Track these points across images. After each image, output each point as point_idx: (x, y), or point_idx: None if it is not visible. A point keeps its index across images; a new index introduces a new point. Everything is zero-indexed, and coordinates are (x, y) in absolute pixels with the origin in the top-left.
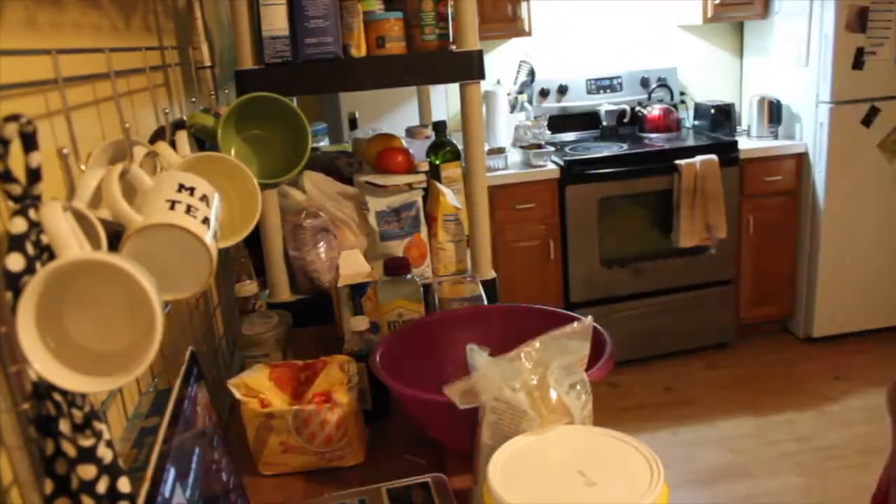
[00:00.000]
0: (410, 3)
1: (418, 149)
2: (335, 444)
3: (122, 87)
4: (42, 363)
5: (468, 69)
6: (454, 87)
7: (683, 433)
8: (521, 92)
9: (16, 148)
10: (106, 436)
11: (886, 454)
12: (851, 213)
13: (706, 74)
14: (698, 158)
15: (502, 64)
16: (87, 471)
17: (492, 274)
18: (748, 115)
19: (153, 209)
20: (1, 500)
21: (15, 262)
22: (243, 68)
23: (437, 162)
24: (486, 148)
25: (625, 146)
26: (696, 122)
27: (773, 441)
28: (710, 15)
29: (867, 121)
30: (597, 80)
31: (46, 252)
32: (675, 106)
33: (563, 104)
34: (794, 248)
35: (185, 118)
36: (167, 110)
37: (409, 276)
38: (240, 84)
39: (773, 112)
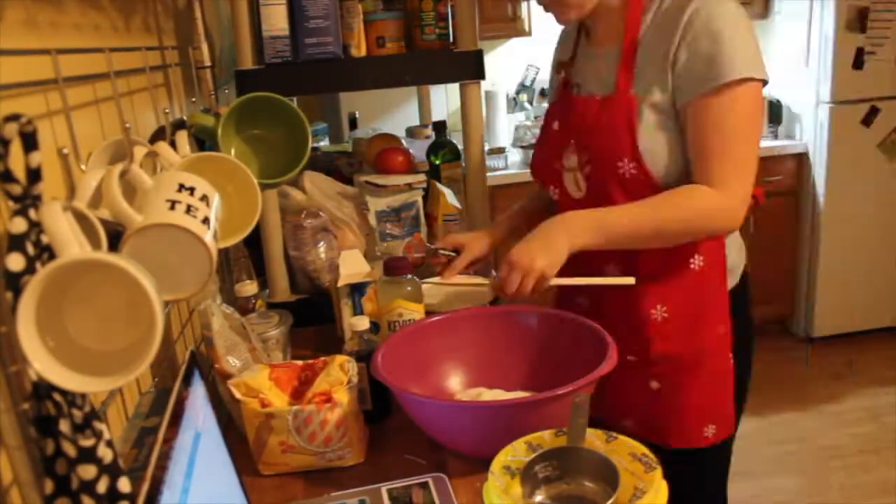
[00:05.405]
0: (410, 3)
1: (418, 149)
2: (335, 444)
3: (122, 87)
4: (42, 363)
5: (468, 69)
6: (454, 87)
7: None
8: (520, 92)
9: (16, 148)
10: (106, 436)
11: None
12: (851, 213)
13: None
14: None
15: (502, 64)
16: (88, 471)
17: (492, 274)
18: None
19: (153, 209)
20: (1, 500)
21: (15, 261)
22: (243, 68)
23: (437, 162)
24: (486, 148)
25: None
26: None
27: (774, 441)
28: None
29: (867, 121)
30: None
31: (46, 252)
32: None
33: None
34: (794, 247)
35: (185, 118)
36: (167, 110)
37: (409, 276)
38: (240, 84)
39: (774, 112)
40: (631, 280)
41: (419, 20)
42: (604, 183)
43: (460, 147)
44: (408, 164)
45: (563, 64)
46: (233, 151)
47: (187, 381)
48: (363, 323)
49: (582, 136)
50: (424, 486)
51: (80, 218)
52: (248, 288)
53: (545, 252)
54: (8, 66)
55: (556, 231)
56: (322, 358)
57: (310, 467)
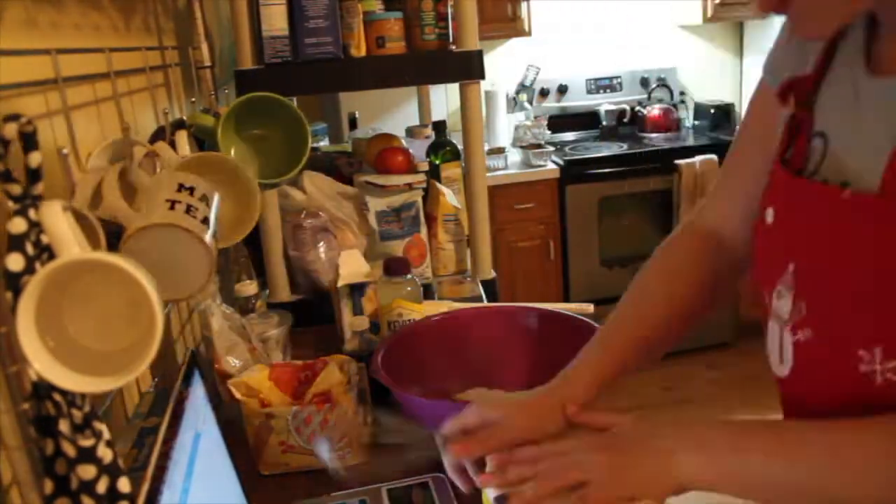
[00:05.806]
0: (410, 3)
1: (418, 149)
2: (335, 444)
3: (122, 87)
4: (42, 363)
5: (468, 69)
6: (454, 87)
7: None
8: (520, 92)
9: (16, 148)
10: (106, 436)
11: None
12: None
13: (706, 74)
14: (698, 158)
15: (502, 64)
16: (87, 471)
17: (492, 274)
18: None
19: (153, 209)
20: (1, 500)
21: (15, 262)
22: (243, 68)
23: (437, 162)
24: (486, 148)
25: (625, 146)
26: (696, 122)
27: None
28: (710, 15)
29: None
30: (597, 79)
31: (46, 252)
32: (674, 106)
33: (563, 104)
34: None
35: (184, 118)
36: (167, 110)
37: (409, 276)
38: (240, 84)
39: None
40: None
41: (419, 20)
42: (825, 376)
43: (460, 147)
44: (408, 164)
45: (795, 86)
46: (233, 151)
47: (187, 381)
48: (363, 323)
49: (808, 266)
50: (424, 486)
51: (80, 218)
52: (248, 288)
53: (646, 478)
54: (8, 66)
55: (670, 445)
56: (322, 358)
57: (310, 467)
